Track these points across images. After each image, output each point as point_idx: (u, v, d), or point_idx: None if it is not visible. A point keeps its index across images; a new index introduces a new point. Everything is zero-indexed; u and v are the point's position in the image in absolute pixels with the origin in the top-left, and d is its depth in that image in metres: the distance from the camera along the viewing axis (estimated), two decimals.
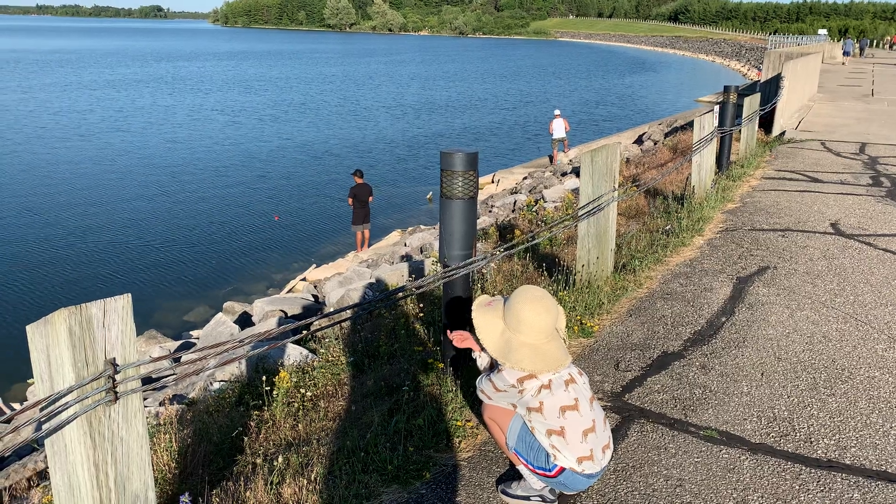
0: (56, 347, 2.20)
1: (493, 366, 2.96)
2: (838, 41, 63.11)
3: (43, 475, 4.90)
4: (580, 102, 45.07)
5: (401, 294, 3.81)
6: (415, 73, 66.80)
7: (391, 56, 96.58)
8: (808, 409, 3.72)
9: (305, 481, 3.13)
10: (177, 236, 15.81)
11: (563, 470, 2.77)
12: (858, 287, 5.56)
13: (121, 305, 2.29)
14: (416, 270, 9.18)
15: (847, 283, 5.66)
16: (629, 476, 3.14)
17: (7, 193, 18.96)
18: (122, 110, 35.25)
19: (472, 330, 3.02)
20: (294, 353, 5.86)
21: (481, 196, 19.97)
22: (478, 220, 14.27)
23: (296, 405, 4.35)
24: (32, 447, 6.06)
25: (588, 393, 2.88)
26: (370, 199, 14.68)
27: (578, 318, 4.84)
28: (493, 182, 22.33)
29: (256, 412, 4.30)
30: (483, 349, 3.03)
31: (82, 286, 12.65)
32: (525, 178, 21.29)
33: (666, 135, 22.87)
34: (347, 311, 4.05)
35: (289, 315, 9.05)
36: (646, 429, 3.52)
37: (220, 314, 9.22)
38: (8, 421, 2.49)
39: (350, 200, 14.51)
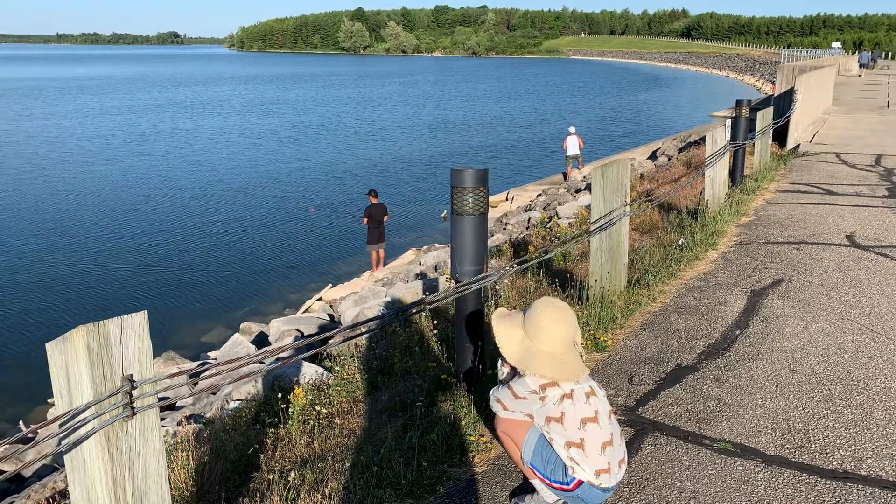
0: (75, 364, 2.25)
1: (513, 376, 2.95)
2: (853, 54, 62.93)
3: (63, 494, 4.95)
4: (595, 119, 45.18)
5: (414, 310, 3.83)
6: (429, 94, 67.26)
7: (405, 77, 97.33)
8: (824, 420, 3.70)
9: (320, 496, 3.16)
10: (195, 258, 15.96)
11: (580, 483, 2.76)
12: (874, 298, 5.52)
13: (137, 322, 2.34)
14: (431, 288, 9.22)
15: (863, 294, 5.63)
16: (643, 489, 3.13)
17: (34, 216, 19.29)
18: (144, 134, 35.76)
19: (475, 337, 3.03)
20: (309, 372, 5.90)
21: (495, 213, 20.02)
22: (492, 238, 14.31)
23: (311, 422, 4.38)
24: (53, 467, 6.13)
25: (607, 406, 2.88)
26: (385, 218, 14.76)
27: (592, 332, 4.84)
28: (507, 200, 22.39)
29: (272, 430, 4.33)
30: (503, 360, 3.02)
31: (102, 306, 12.80)
32: (539, 195, 21.32)
33: (680, 150, 22.85)
34: (362, 326, 4.08)
35: (305, 334, 9.09)
36: (660, 442, 3.52)
37: (236, 335, 9.29)
38: (26, 440, 2.55)
39: (365, 220, 14.60)
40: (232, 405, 5.83)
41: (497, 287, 6.58)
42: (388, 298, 9.58)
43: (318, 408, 4.57)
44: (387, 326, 6.73)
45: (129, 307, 12.88)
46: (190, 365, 9.97)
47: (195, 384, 6.36)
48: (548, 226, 10.61)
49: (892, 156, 12.76)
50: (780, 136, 15.06)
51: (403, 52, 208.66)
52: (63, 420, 2.25)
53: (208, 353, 10.77)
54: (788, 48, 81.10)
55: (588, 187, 19.53)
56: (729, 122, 9.01)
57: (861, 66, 45.85)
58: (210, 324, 12.63)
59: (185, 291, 13.96)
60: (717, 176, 8.80)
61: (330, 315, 10.45)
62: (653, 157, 24.53)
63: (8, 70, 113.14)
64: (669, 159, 20.80)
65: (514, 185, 24.17)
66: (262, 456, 3.99)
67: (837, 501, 3.01)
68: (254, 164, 27.88)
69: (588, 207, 13.58)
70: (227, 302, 13.53)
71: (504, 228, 15.54)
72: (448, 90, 73.00)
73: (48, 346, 2.30)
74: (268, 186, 23.71)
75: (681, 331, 4.97)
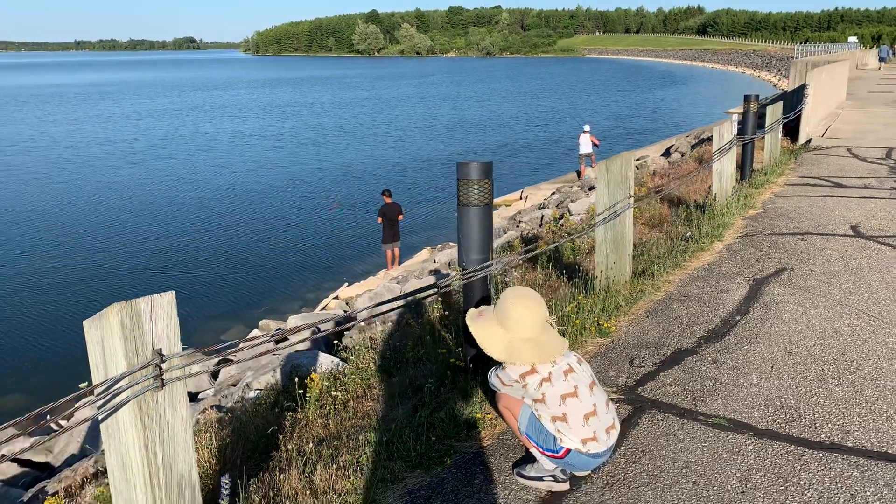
0: (110, 339, 2.48)
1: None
2: (871, 48, 62.35)
3: (96, 475, 5.21)
4: (611, 117, 45.23)
5: (425, 294, 4.05)
6: (445, 94, 67.53)
7: (421, 78, 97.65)
8: (815, 397, 3.86)
9: (335, 468, 3.38)
10: (215, 257, 16.30)
11: (569, 451, 2.98)
12: (874, 285, 5.66)
13: (166, 301, 2.57)
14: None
15: (862, 281, 5.77)
16: (638, 459, 3.32)
17: (60, 218, 19.77)
18: (166, 138, 36.30)
19: (468, 337, 3.22)
20: (326, 362, 6.13)
21: (509, 212, 20.21)
22: (505, 234, 14.49)
23: (327, 407, 4.60)
24: (82, 455, 6.40)
25: (588, 379, 3.09)
26: (400, 217, 14.98)
27: (596, 319, 5.03)
28: (521, 198, 22.57)
29: (290, 413, 4.55)
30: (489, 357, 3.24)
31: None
32: (553, 193, 21.47)
33: (693, 146, 22.91)
34: (379, 308, 4.29)
35: (322, 331, 9.33)
36: (657, 418, 3.71)
37: (255, 331, 9.55)
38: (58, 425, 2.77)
39: (379, 219, 14.84)
40: (252, 394, 6.06)
41: (507, 280, 6.78)
42: (402, 294, 9.80)
43: (333, 393, 4.79)
44: (401, 320, 6.96)
45: None
46: (210, 360, 10.25)
47: (219, 362, 6.61)
48: (559, 222, 10.79)
49: None
50: (793, 130, 15.13)
51: (418, 53, 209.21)
52: (101, 390, 2.49)
53: (230, 349, 11.03)
54: (805, 43, 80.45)
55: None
56: (735, 116, 9.15)
57: (880, 60, 45.49)
58: (230, 322, 12.92)
59: (205, 290, 14.28)
60: (724, 170, 8.94)
61: (345, 312, 10.69)
62: (666, 153, 24.59)
63: (29, 77, 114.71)
64: (683, 156, 20.87)
65: (528, 183, 24.36)
66: (280, 437, 4.21)
67: (823, 469, 3.19)
68: (273, 166, 28.27)
69: None
70: (247, 300, 13.83)
71: (517, 226, 15.72)
72: (463, 90, 73.23)
73: (85, 323, 2.53)
74: (287, 187, 24.06)
75: (682, 317, 5.14)
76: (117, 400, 2.49)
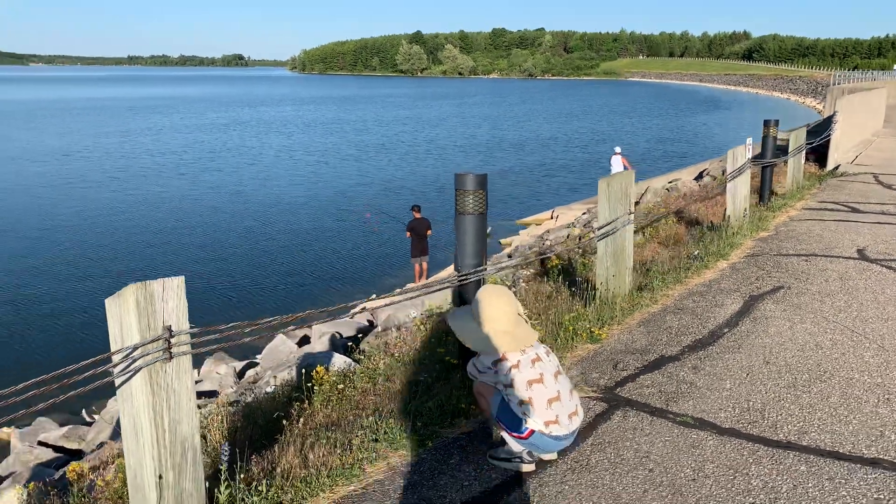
0: (126, 315, 2.87)
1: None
2: None
3: (120, 454, 5.63)
4: (652, 139, 45.31)
5: (417, 293, 4.39)
6: (485, 114, 68.16)
7: (462, 98, 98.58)
8: (782, 402, 4.10)
9: (328, 447, 3.73)
10: (251, 266, 16.91)
11: (532, 432, 3.30)
12: (865, 304, 5.85)
13: (176, 284, 2.96)
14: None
15: (855, 300, 5.95)
16: (603, 449, 3.61)
17: (111, 224, 20.65)
18: (214, 151, 37.42)
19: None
20: (339, 362, 6.50)
21: (538, 230, 20.49)
22: (529, 251, 14.77)
23: (333, 399, 4.96)
24: (105, 442, 6.85)
25: (553, 369, 3.41)
26: (428, 233, 15.36)
27: (589, 327, 5.32)
28: (552, 217, 22.84)
29: (298, 403, 4.92)
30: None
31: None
32: (584, 213, 21.68)
33: (724, 171, 22.90)
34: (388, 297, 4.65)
35: (343, 336, 9.73)
36: (629, 414, 3.99)
37: (281, 335, 9.99)
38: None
39: (408, 234, 15.24)
40: (269, 389, 6.45)
41: (514, 289, 7.09)
42: (424, 304, 10.15)
43: (340, 387, 5.15)
44: (413, 326, 7.31)
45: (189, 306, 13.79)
46: (238, 364, 10.72)
47: (246, 366, 7.01)
48: (576, 238, 11.06)
49: None
50: (822, 156, 15.18)
51: (460, 74, 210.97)
52: (118, 358, 2.88)
53: (256, 356, 11.50)
54: (854, 70, 79.29)
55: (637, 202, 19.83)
56: (750, 139, 9.35)
57: None
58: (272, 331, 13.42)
59: (239, 296, 14.83)
60: (738, 192, 9.15)
61: (370, 321, 11.08)
62: (699, 177, 24.62)
63: (84, 90, 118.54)
64: (714, 179, 20.94)
65: (562, 203, 24.63)
66: (286, 423, 4.58)
67: (773, 462, 3.44)
68: (315, 180, 29.03)
69: None
70: (278, 309, 14.31)
71: (543, 243, 16.00)
72: (504, 111, 73.81)
73: (107, 301, 2.93)
74: (327, 201, 24.71)
75: (673, 328, 5.40)
76: (131, 368, 2.88)
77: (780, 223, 9.37)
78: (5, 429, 9.66)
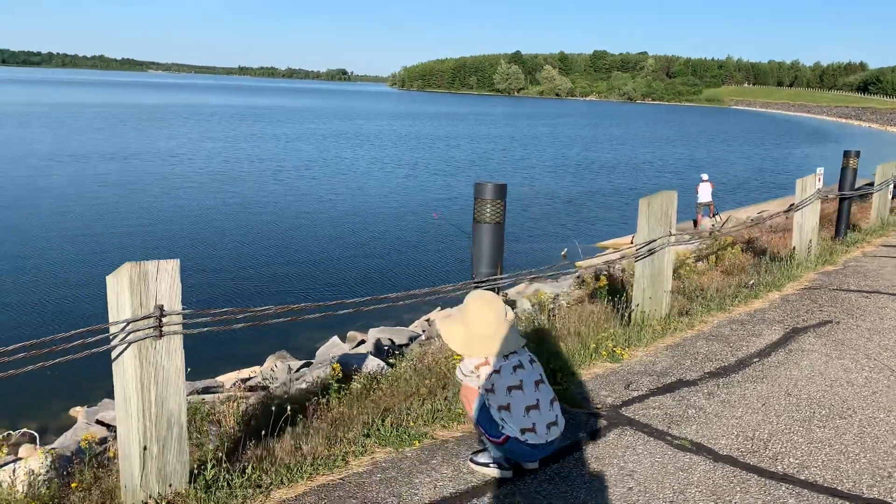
0: (122, 292, 3.07)
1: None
2: None
3: None
4: (749, 169, 43.91)
5: (434, 296, 4.46)
6: (579, 135, 67.66)
7: (557, 119, 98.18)
8: (791, 434, 3.94)
9: (320, 439, 3.84)
10: (329, 272, 17.36)
11: (508, 438, 3.31)
12: None
13: (171, 267, 3.15)
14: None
15: None
16: (587, 463, 3.57)
17: (205, 223, 21.73)
18: (310, 160, 38.69)
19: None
20: (371, 364, 6.63)
21: (615, 255, 20.16)
22: (592, 273, 14.55)
23: (350, 397, 5.08)
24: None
25: (535, 377, 3.41)
26: None
27: (612, 347, 5.24)
28: (632, 242, 22.44)
29: (314, 397, 5.06)
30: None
31: (243, 296, 14.25)
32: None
33: None
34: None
35: (395, 342, 9.88)
36: (625, 434, 3.92)
37: (335, 337, 10.28)
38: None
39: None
40: (302, 385, 6.64)
41: (555, 311, 7.05)
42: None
43: (357, 385, 5.27)
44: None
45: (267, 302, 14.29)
46: (295, 363, 11.02)
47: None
48: (622, 259, 10.87)
49: None
50: None
51: (557, 95, 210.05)
52: (113, 331, 3.07)
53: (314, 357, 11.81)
54: None
55: (711, 234, 19.28)
56: (821, 170, 8.98)
57: None
58: (327, 332, 13.74)
59: (314, 300, 15.21)
60: (805, 223, 8.80)
61: (424, 330, 11.20)
62: (789, 209, 23.67)
63: (195, 97, 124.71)
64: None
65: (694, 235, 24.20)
66: (300, 416, 4.72)
67: (761, 493, 3.31)
68: (403, 192, 29.58)
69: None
70: (347, 316, 14.62)
71: (611, 267, 15.75)
72: (599, 133, 73.05)
73: (107, 278, 3.14)
74: (412, 214, 25.11)
75: (700, 353, 5.26)
76: (123, 341, 3.07)
77: (851, 258, 8.94)
78: (77, 408, 10.29)
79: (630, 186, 33.75)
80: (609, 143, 60.15)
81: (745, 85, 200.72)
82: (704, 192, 23.38)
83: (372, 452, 3.70)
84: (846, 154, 10.33)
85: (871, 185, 12.26)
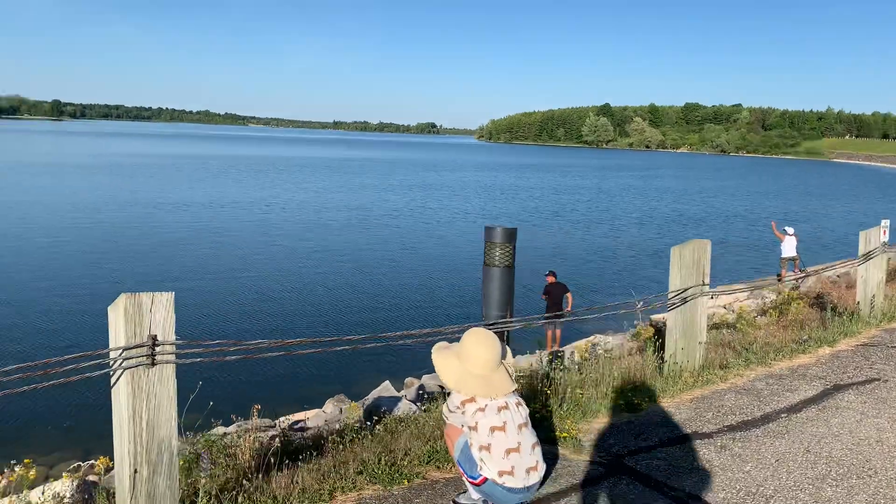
0: (118, 322, 3.29)
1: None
2: None
3: None
4: (849, 223, 42.05)
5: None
6: (669, 187, 66.61)
7: (647, 171, 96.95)
8: (798, 491, 3.76)
9: (315, 473, 3.93)
10: (402, 317, 17.63)
11: (486, 480, 3.30)
12: None
13: (165, 299, 3.35)
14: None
15: None
16: None
17: (297, 265, 22.65)
18: (397, 209, 39.73)
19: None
20: (403, 407, 6.70)
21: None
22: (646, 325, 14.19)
23: (369, 436, 5.16)
24: None
25: (520, 420, 3.39)
26: (568, 297, 15.22)
27: (630, 397, 5.14)
28: (711, 297, 21.77)
29: (333, 436, 5.17)
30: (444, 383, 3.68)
31: (320, 329, 14.58)
32: (748, 297, 20.47)
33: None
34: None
35: (443, 389, 9.91)
36: (621, 482, 3.84)
37: (386, 382, 10.41)
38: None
39: (544, 296, 15.22)
40: (336, 425, 6.75)
41: (591, 354, 6.96)
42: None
43: (379, 427, 5.35)
44: None
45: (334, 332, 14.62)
46: (353, 405, 11.20)
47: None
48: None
49: None
50: None
51: (647, 147, 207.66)
52: (109, 359, 3.28)
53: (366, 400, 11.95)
54: None
55: (795, 287, 18.51)
56: (886, 222, 8.58)
57: None
58: (386, 378, 13.89)
59: (378, 346, 15.41)
60: (869, 277, 8.40)
61: None
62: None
63: (292, 150, 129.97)
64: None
65: (735, 281, 23.47)
66: (314, 452, 4.83)
67: None
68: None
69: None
70: (409, 363, 14.76)
71: None
72: (689, 185, 71.67)
73: (109, 308, 3.37)
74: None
75: (725, 407, 5.09)
76: (115, 368, 3.28)
77: None
78: None
79: (718, 239, 32.88)
80: (700, 195, 58.91)
81: (847, 137, 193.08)
82: (789, 247, 22.54)
83: (360, 489, 3.77)
84: None
85: None
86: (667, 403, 5.18)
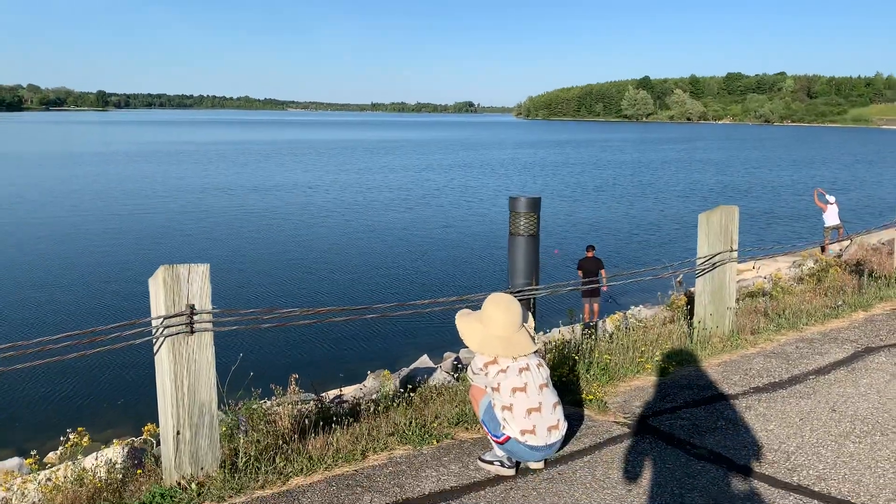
0: (158, 293, 3.49)
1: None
2: None
3: None
4: (893, 190, 41.01)
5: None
6: (711, 159, 65.58)
7: (688, 143, 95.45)
8: (820, 448, 3.82)
9: (349, 436, 4.11)
10: (441, 293, 17.84)
11: (508, 438, 3.45)
12: None
13: (201, 270, 3.54)
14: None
15: None
16: (594, 466, 3.64)
17: (340, 246, 23.07)
18: (438, 189, 39.95)
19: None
20: (438, 377, 6.87)
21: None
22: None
23: (403, 404, 5.34)
24: None
25: (541, 380, 3.52)
26: (602, 272, 15.23)
27: (659, 362, 5.21)
28: (753, 268, 21.55)
29: (372, 403, 5.36)
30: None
31: (362, 308, 14.85)
32: (790, 266, 20.21)
33: None
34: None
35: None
36: (644, 442, 3.94)
37: (424, 356, 10.59)
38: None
39: (579, 272, 15.25)
40: (374, 396, 6.96)
41: (624, 322, 7.02)
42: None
43: (413, 395, 5.52)
44: None
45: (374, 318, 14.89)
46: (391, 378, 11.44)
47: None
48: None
49: None
50: None
51: (688, 119, 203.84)
52: (151, 328, 3.50)
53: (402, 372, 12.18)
54: None
55: (839, 255, 18.21)
56: None
57: None
58: (424, 352, 14.13)
59: (418, 322, 15.63)
60: None
61: None
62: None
63: (330, 133, 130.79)
64: None
65: (780, 252, 23.16)
66: (351, 418, 5.02)
67: (764, 502, 3.26)
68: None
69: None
70: (448, 338, 14.96)
71: None
72: (732, 156, 70.43)
73: (149, 280, 3.57)
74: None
75: (753, 370, 5.13)
76: (158, 336, 3.48)
77: None
78: None
79: (764, 210, 32.47)
80: (744, 166, 57.89)
81: None
82: (832, 216, 22.15)
83: (392, 448, 3.94)
84: None
85: None
86: (694, 367, 5.25)
